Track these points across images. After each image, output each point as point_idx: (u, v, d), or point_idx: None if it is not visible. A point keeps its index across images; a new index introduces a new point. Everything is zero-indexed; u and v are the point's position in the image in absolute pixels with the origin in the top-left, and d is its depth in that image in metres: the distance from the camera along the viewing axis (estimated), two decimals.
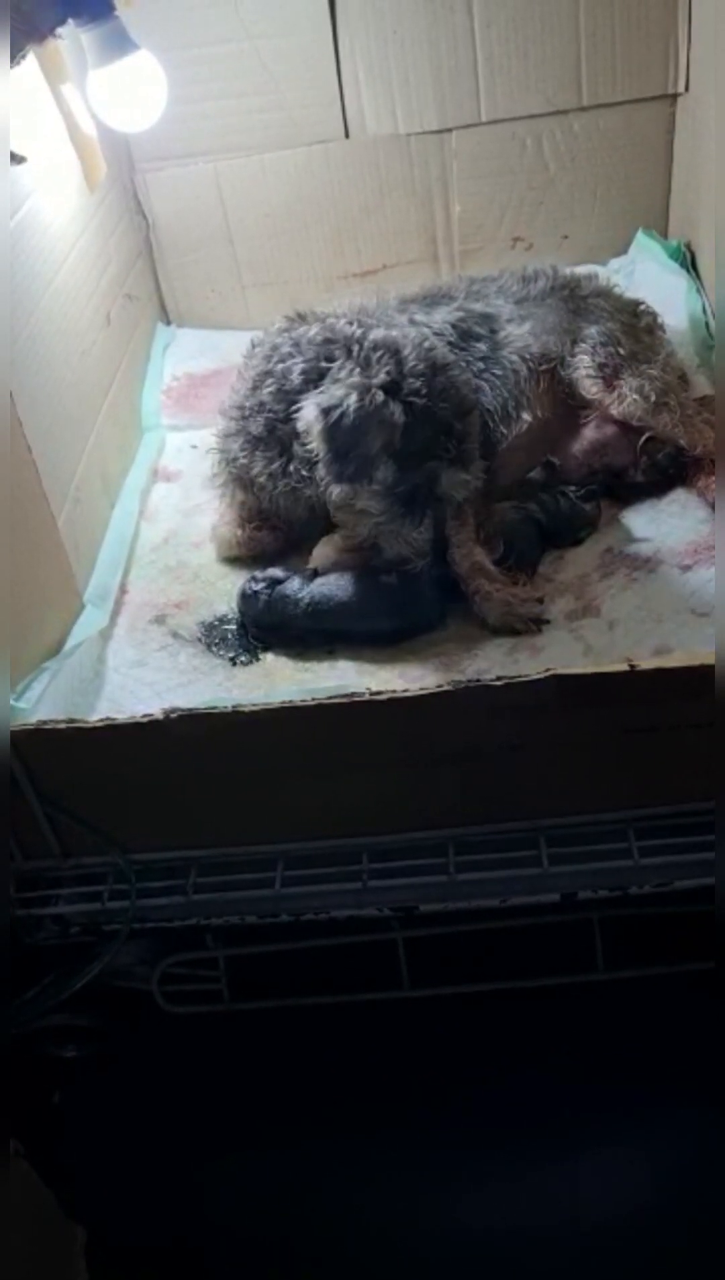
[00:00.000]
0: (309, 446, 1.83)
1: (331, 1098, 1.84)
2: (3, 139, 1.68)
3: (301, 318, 1.98)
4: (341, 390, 1.77)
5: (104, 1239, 1.68)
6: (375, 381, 1.77)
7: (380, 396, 1.76)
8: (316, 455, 1.82)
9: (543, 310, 2.14)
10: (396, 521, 1.84)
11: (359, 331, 1.84)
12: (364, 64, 2.47)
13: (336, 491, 1.85)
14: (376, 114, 2.53)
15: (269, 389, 1.92)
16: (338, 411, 1.76)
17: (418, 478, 1.82)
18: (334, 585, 1.96)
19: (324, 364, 1.85)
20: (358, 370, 1.79)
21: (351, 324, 1.87)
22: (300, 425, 1.83)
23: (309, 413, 1.80)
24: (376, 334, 1.82)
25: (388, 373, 1.78)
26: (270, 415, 1.92)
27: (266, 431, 1.95)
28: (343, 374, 1.81)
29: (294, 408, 1.86)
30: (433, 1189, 1.74)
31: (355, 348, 1.82)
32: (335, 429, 1.76)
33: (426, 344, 1.83)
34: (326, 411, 1.77)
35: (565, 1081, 1.81)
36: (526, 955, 1.70)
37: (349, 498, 1.86)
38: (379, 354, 1.80)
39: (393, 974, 1.71)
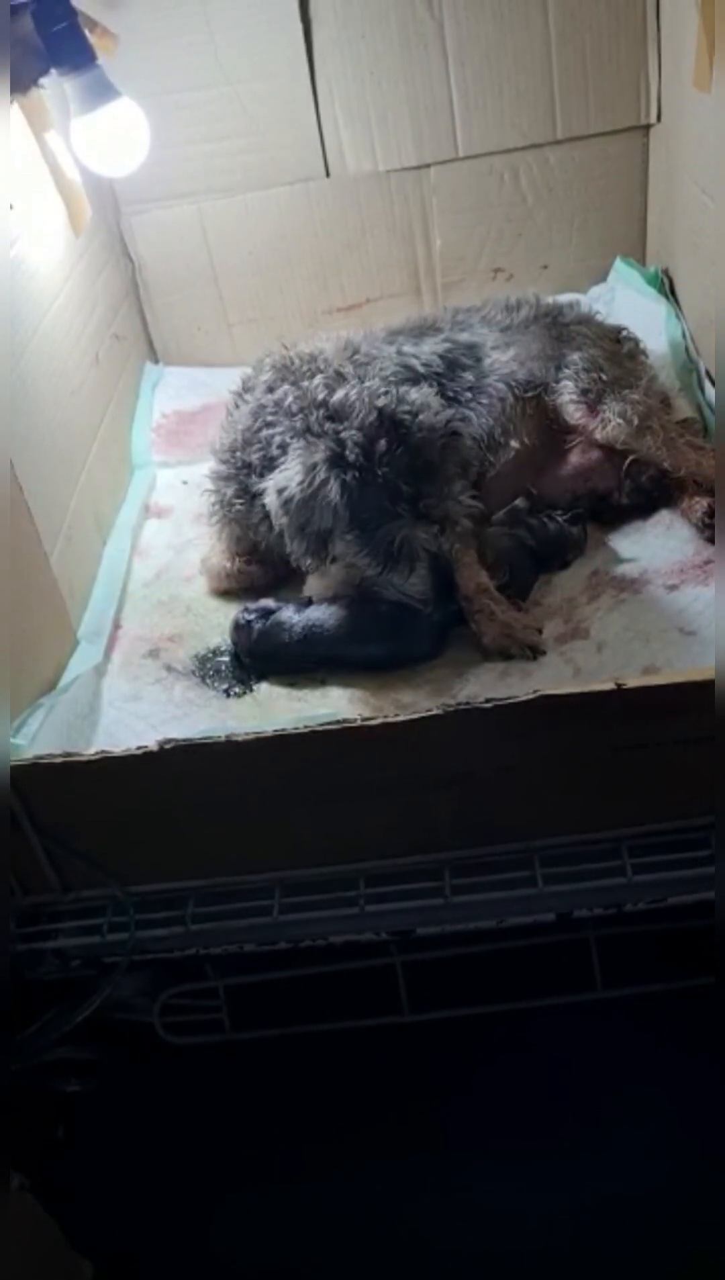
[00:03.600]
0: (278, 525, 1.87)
1: (335, 1125, 1.84)
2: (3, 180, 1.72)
3: (289, 370, 1.98)
4: (290, 472, 1.82)
5: (111, 1271, 1.68)
6: (317, 459, 1.80)
7: (321, 475, 1.79)
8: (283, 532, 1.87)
9: (526, 337, 2.18)
10: (386, 576, 1.86)
11: (323, 395, 1.85)
12: (342, 104, 2.52)
13: (306, 565, 1.89)
14: (356, 152, 2.58)
15: (256, 453, 1.95)
16: (286, 495, 1.82)
17: (380, 539, 1.82)
18: (328, 612, 1.97)
19: (290, 438, 1.88)
20: (304, 448, 1.83)
21: (324, 385, 1.87)
22: (268, 507, 1.87)
23: (270, 497, 1.86)
24: (337, 397, 1.83)
25: (328, 447, 1.80)
26: (259, 478, 1.95)
27: (259, 485, 1.97)
28: (297, 451, 1.84)
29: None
30: (439, 1214, 1.74)
31: (314, 415, 1.84)
32: (286, 510, 1.82)
33: (381, 402, 1.81)
34: (279, 493, 1.83)
35: (568, 1101, 1.81)
36: (524, 976, 1.70)
37: (321, 565, 1.90)
38: (327, 425, 1.82)
39: (392, 999, 1.72)
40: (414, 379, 2.00)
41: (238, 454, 2.01)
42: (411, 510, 1.81)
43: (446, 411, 1.88)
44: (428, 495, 1.82)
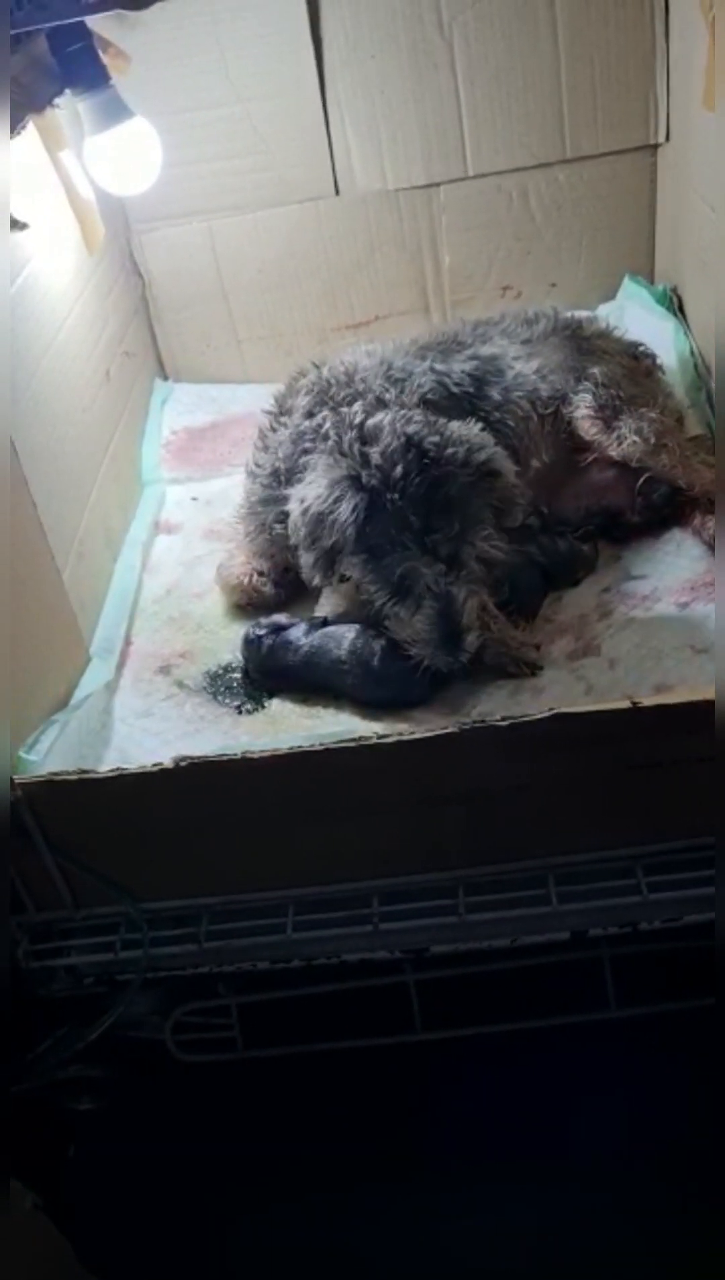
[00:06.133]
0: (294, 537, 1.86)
1: (348, 1144, 1.84)
2: (3, 204, 1.73)
3: (327, 395, 1.94)
4: (314, 486, 1.81)
5: None
6: (337, 475, 1.78)
7: (337, 492, 1.77)
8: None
9: (547, 349, 2.18)
10: (394, 608, 1.82)
11: (361, 418, 1.82)
12: (352, 123, 2.53)
13: (315, 580, 1.88)
14: (365, 171, 2.59)
15: (298, 478, 1.92)
16: (305, 505, 1.81)
17: (387, 567, 1.79)
18: (334, 639, 1.94)
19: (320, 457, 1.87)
20: (330, 465, 1.81)
21: (362, 410, 1.84)
22: (290, 517, 1.86)
23: (292, 505, 1.85)
24: (372, 420, 1.81)
25: (351, 465, 1.78)
26: None
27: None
28: (323, 466, 1.83)
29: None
30: (451, 1233, 1.73)
31: (348, 435, 1.82)
32: (303, 521, 1.81)
33: (411, 429, 1.77)
34: (300, 503, 1.82)
35: (582, 1120, 1.80)
36: (538, 995, 1.70)
37: (328, 583, 1.89)
38: (357, 447, 1.79)
39: (405, 1017, 1.71)
40: (451, 397, 1.99)
41: (281, 478, 1.99)
42: (417, 543, 1.76)
43: (488, 450, 1.81)
44: (436, 530, 1.76)
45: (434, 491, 1.75)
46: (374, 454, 1.77)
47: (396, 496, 1.75)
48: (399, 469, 1.75)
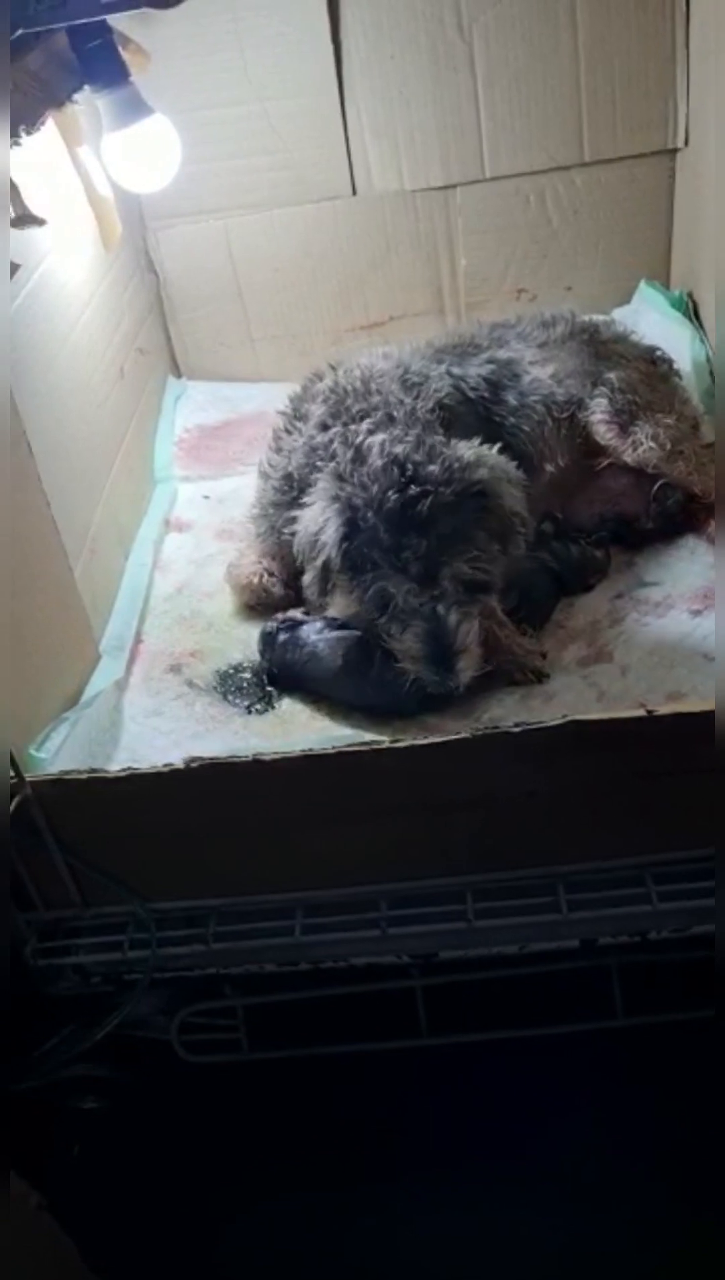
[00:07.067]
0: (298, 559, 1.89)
1: (353, 1147, 1.83)
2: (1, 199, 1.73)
3: (342, 406, 1.93)
4: (313, 510, 1.82)
5: None
6: (329, 497, 1.79)
7: (327, 514, 1.78)
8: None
9: (564, 353, 2.18)
10: (383, 624, 1.81)
11: (363, 439, 1.81)
12: (370, 123, 2.53)
13: (316, 600, 1.90)
14: (382, 171, 2.59)
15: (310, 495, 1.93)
16: (304, 528, 1.83)
17: (363, 584, 1.79)
18: (336, 643, 1.94)
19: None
20: (326, 487, 1.82)
21: (367, 430, 1.83)
22: (295, 540, 1.89)
23: (298, 527, 1.86)
24: (367, 442, 1.80)
25: (341, 488, 1.78)
26: None
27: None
28: (322, 489, 1.83)
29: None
30: (452, 1237, 1.73)
31: (347, 456, 1.81)
32: (304, 543, 1.83)
33: (398, 449, 1.76)
34: (302, 524, 1.84)
35: (582, 1128, 1.80)
36: (546, 1002, 1.69)
37: (324, 601, 1.92)
38: (351, 467, 1.79)
39: (411, 1022, 1.71)
40: (466, 402, 1.99)
41: (294, 483, 1.99)
42: (387, 560, 1.75)
43: (483, 470, 1.77)
44: (406, 548, 1.73)
45: (407, 509, 1.73)
46: (361, 473, 1.77)
47: (371, 514, 1.75)
48: (377, 487, 1.74)
